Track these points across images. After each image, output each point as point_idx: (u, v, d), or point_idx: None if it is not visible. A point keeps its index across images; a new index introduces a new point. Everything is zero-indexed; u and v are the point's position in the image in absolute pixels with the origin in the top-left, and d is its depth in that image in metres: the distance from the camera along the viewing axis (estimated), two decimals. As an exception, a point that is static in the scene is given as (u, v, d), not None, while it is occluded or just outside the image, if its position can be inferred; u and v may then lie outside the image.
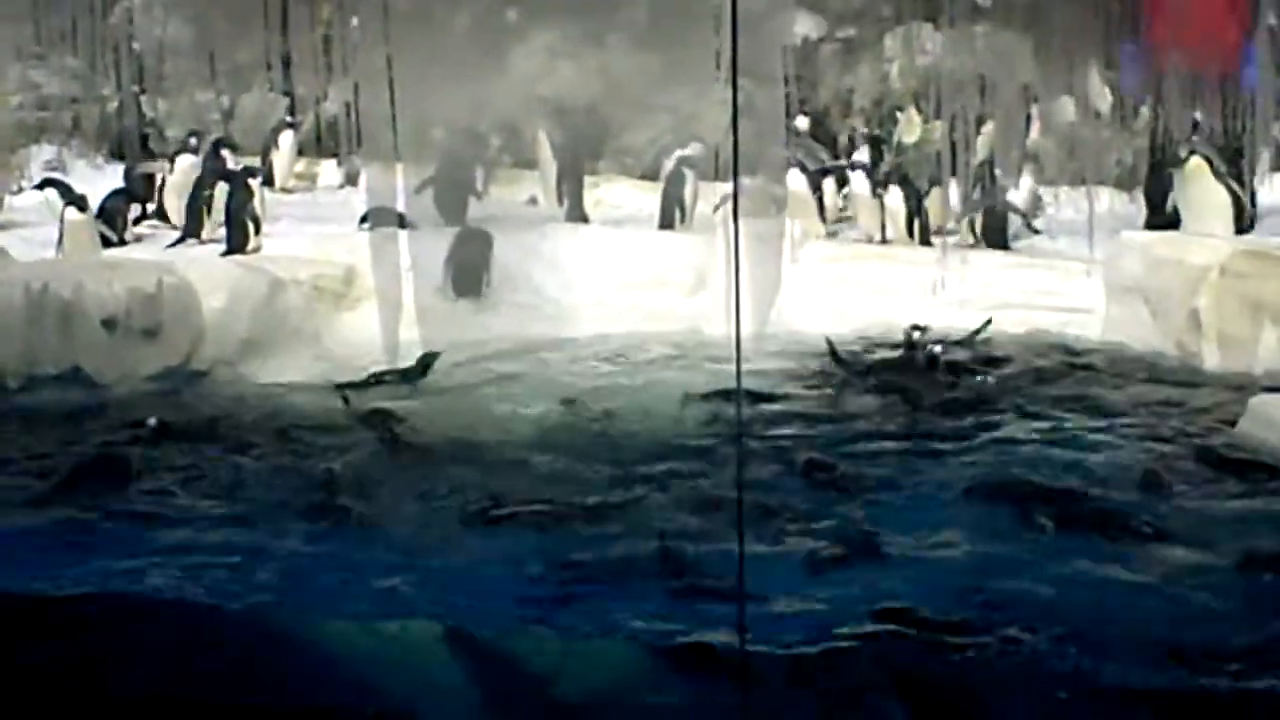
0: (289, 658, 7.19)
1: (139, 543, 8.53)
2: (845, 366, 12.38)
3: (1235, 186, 15.05)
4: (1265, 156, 16.78)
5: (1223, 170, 14.87)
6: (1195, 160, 14.79)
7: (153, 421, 10.69)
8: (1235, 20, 15.51)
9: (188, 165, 17.29)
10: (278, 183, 18.55)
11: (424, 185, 14.68)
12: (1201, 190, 14.73)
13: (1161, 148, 15.72)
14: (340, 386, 11.70)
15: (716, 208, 14.83)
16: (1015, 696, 6.76)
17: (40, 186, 16.54)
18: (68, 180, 16.74)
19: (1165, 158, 15.58)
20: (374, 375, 11.99)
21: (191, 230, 15.96)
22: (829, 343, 12.60)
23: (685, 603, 7.56)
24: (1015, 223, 15.73)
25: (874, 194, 15.63)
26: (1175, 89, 15.52)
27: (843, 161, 17.40)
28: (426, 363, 12.07)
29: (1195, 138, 15.38)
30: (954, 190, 15.32)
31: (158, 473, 9.78)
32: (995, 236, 15.38)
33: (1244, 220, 14.86)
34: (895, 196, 15.37)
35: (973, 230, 15.51)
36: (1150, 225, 15.30)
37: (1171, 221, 15.20)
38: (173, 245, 15.78)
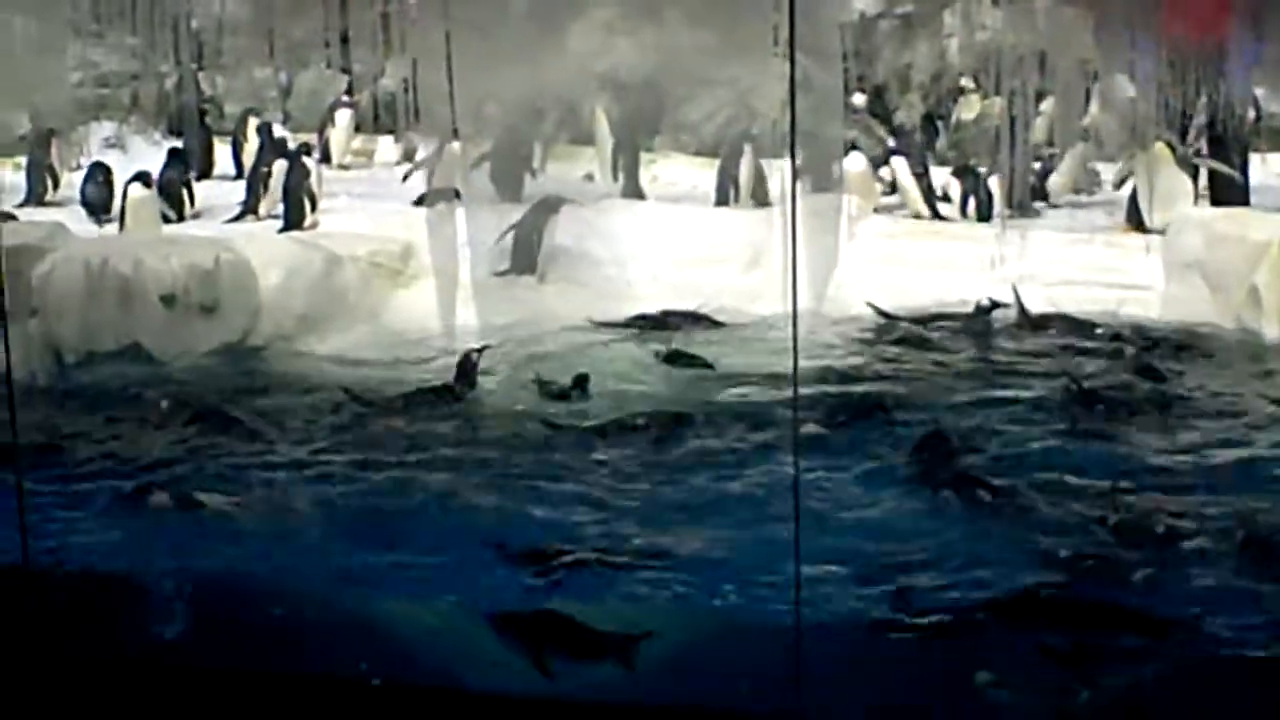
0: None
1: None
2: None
3: (1219, 167, 15.13)
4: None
5: (1186, 156, 14.82)
6: (1158, 146, 14.74)
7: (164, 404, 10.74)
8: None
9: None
10: (335, 160, 18.61)
11: (480, 161, 14.67)
12: (1164, 177, 14.67)
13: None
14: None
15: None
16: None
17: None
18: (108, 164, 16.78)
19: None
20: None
21: (250, 206, 16.04)
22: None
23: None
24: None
25: (917, 175, 15.70)
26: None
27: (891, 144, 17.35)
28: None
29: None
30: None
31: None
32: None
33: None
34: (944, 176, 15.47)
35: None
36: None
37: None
38: (232, 220, 15.86)
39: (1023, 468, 9.44)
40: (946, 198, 16.05)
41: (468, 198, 13.56)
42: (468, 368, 11.21)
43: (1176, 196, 14.62)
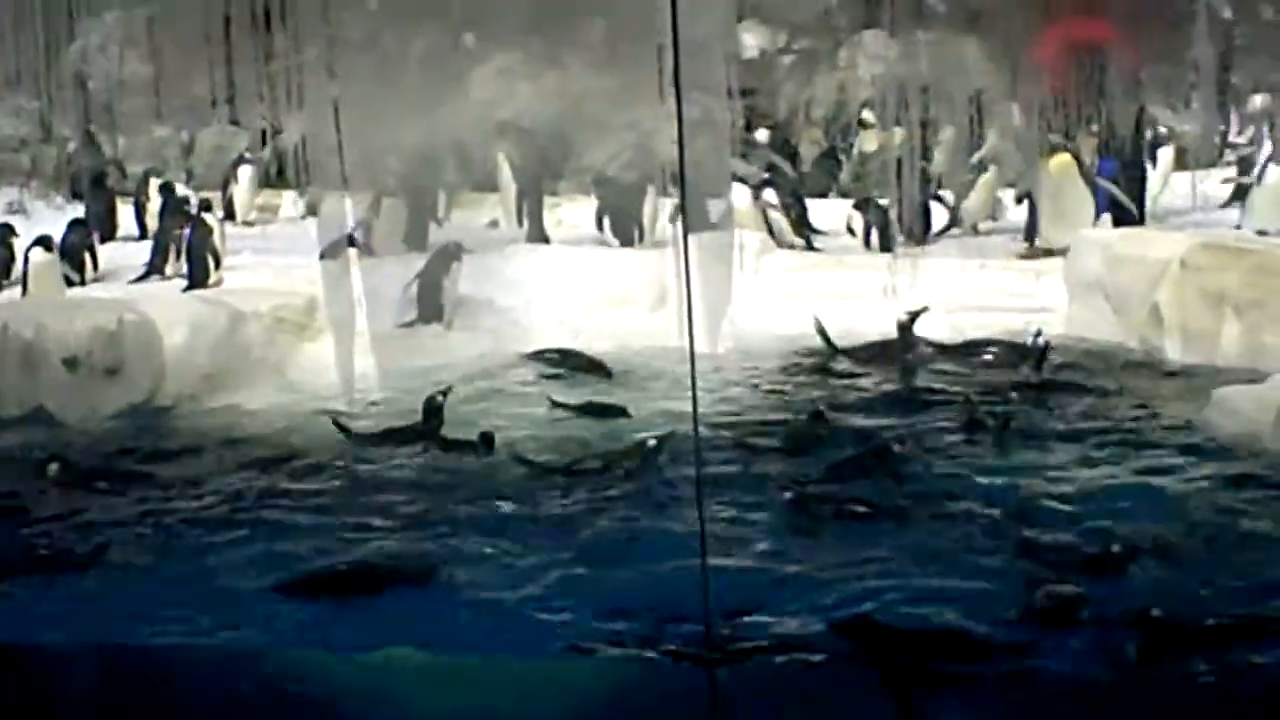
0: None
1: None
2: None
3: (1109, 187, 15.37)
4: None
5: (1091, 169, 14.98)
6: (1064, 156, 14.90)
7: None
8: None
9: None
10: (239, 216, 18.58)
11: (367, 216, 14.65)
12: (1067, 187, 14.82)
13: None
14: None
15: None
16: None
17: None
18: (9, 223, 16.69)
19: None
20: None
21: (156, 266, 15.98)
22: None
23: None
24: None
25: (786, 205, 15.88)
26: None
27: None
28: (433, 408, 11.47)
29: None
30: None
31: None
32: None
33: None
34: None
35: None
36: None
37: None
38: (138, 280, 15.83)
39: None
40: (850, 230, 16.14)
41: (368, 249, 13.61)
42: (434, 409, 11.27)
43: (1079, 210, 14.72)
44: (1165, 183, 17.39)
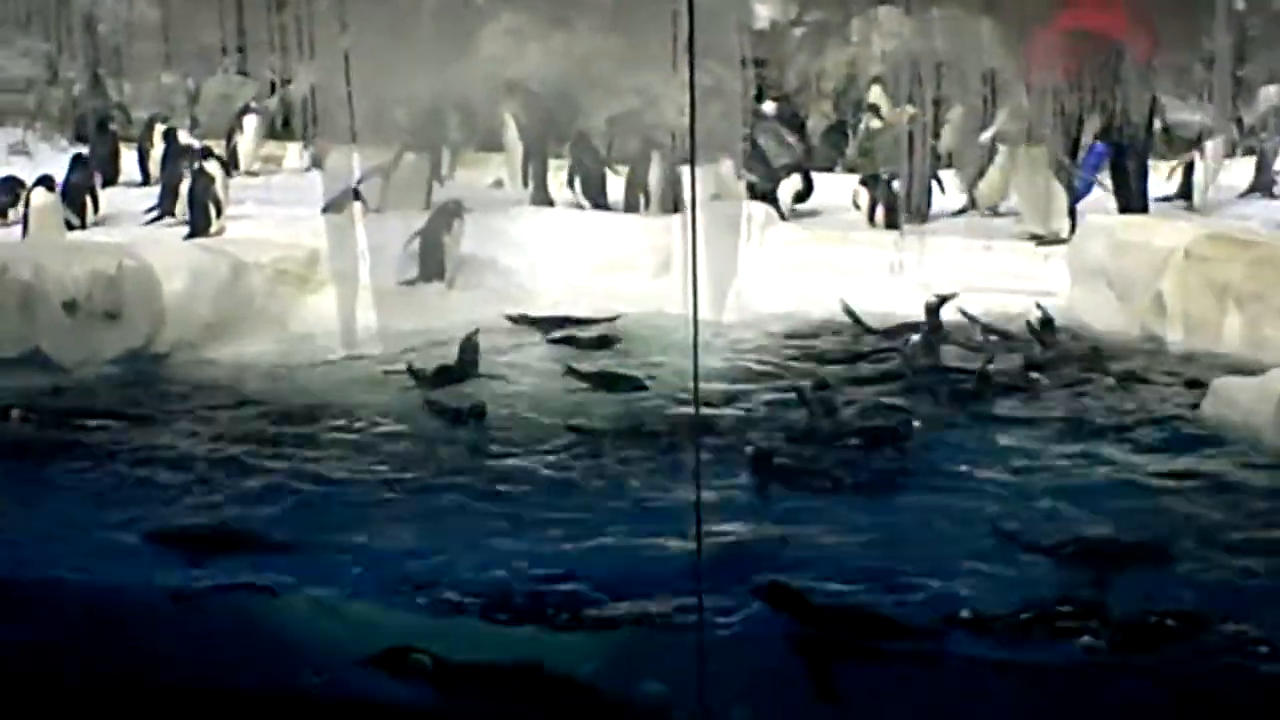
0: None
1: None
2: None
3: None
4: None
5: (1064, 162, 14.92)
6: (1033, 151, 14.86)
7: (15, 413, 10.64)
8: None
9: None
10: (242, 166, 18.49)
11: (373, 171, 14.57)
12: (1035, 177, 14.77)
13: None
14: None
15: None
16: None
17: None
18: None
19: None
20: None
21: (167, 209, 15.96)
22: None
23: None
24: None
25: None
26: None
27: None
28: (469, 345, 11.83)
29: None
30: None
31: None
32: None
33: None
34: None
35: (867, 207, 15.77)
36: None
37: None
38: (150, 221, 15.87)
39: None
40: (856, 205, 16.08)
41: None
42: (469, 349, 11.64)
43: (1047, 200, 14.67)
44: (1214, 174, 17.24)
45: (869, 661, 7.07)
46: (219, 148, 17.52)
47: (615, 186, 16.28)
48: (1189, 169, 17.19)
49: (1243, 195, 17.49)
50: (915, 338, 12.32)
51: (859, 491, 9.20)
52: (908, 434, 10.15)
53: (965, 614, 7.24)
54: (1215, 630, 7.20)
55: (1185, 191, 17.11)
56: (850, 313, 13.06)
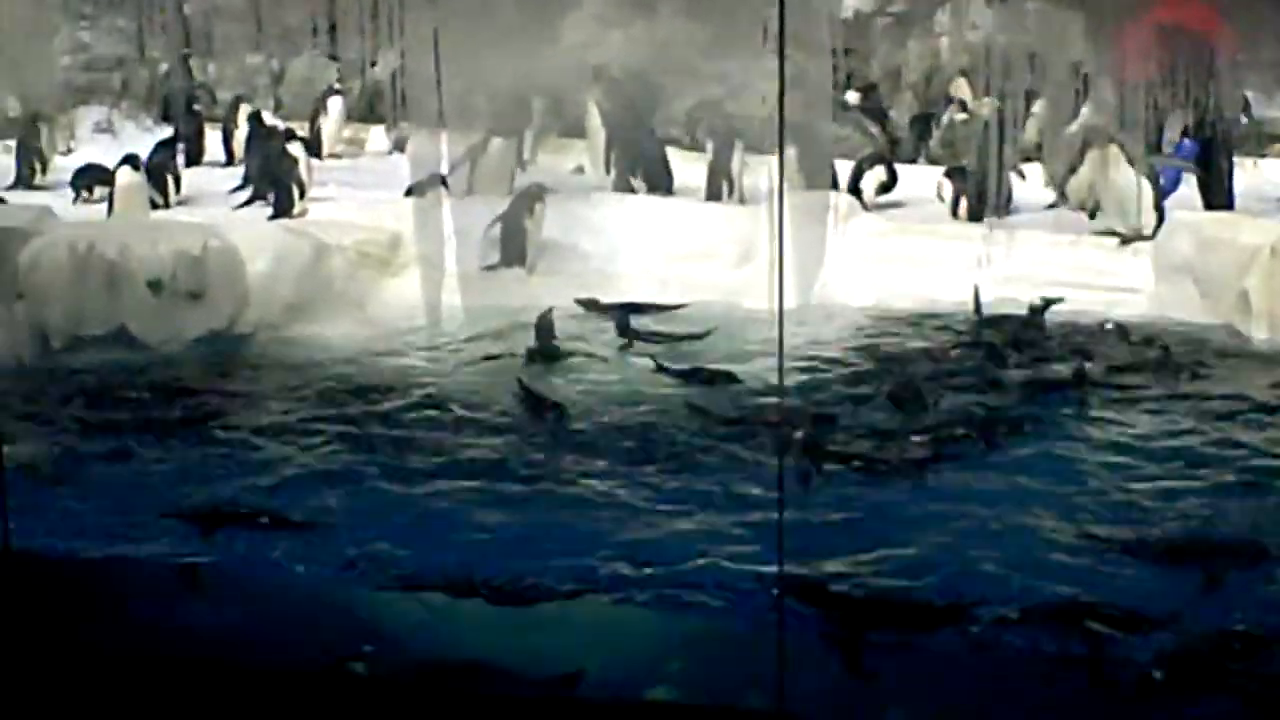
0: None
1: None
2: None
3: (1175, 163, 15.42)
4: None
5: (1140, 158, 14.76)
6: (1112, 149, 14.69)
7: None
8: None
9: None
10: (326, 148, 18.52)
11: (463, 157, 14.59)
12: (1114, 177, 14.61)
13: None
14: None
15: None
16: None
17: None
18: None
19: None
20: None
21: (259, 192, 16.01)
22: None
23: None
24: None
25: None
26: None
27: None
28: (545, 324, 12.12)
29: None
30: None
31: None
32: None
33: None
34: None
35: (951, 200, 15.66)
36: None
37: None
38: (243, 205, 15.93)
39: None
40: (940, 197, 16.00)
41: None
42: (545, 328, 11.99)
43: (1129, 200, 14.53)
44: None
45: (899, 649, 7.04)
46: (303, 130, 17.56)
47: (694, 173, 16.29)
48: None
49: None
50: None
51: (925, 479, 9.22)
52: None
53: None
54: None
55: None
56: (976, 302, 13.03)
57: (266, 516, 8.66)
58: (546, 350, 11.91)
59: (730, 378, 11.24)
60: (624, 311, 12.85)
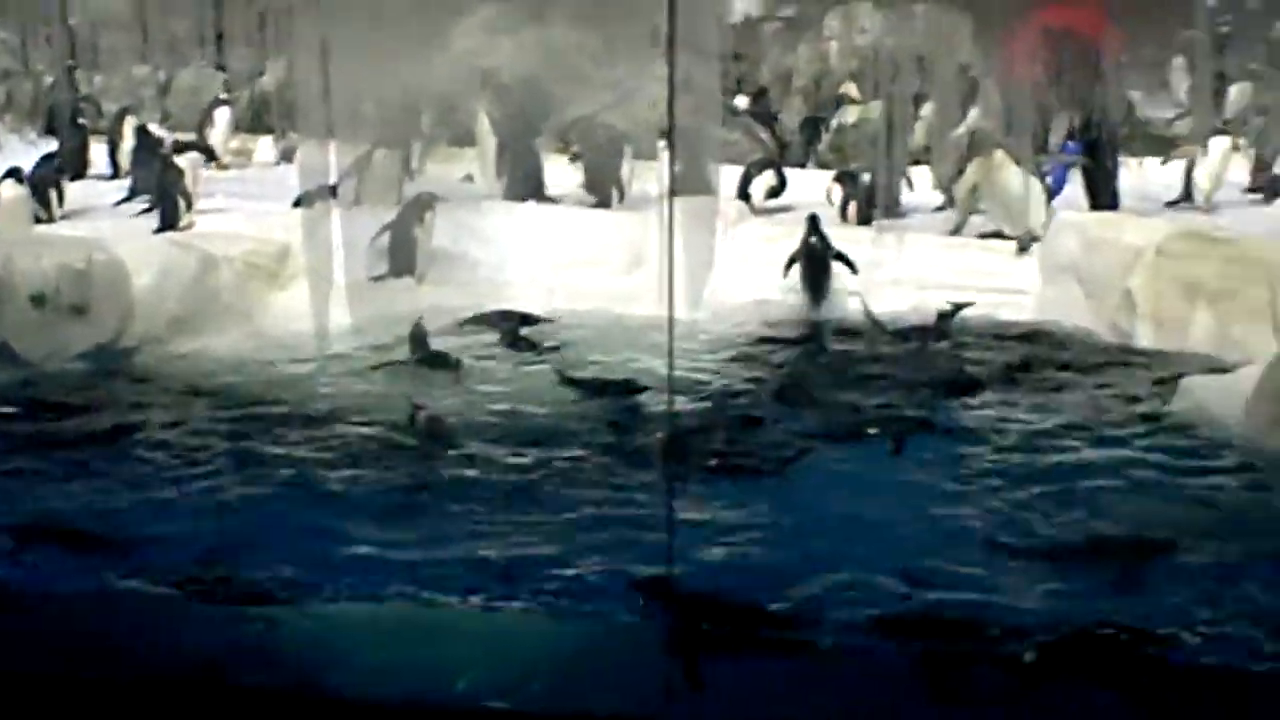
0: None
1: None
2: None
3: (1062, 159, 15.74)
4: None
5: (1029, 161, 14.89)
6: (999, 154, 14.82)
7: None
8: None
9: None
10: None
11: (350, 168, 14.51)
12: (1004, 182, 14.73)
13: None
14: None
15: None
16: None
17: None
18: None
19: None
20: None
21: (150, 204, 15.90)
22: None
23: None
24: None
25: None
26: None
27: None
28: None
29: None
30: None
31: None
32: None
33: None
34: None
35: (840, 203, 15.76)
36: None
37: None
38: (121, 202, 15.86)
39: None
40: (830, 200, 16.07)
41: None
42: (419, 335, 11.92)
43: (1021, 203, 14.62)
44: (1220, 174, 17.13)
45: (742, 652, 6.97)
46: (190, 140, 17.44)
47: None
48: (1189, 168, 17.13)
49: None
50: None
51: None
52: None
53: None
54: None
55: (1186, 192, 17.07)
56: (868, 313, 12.93)
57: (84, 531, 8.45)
58: (428, 359, 11.83)
59: (629, 386, 11.13)
60: (506, 319, 12.84)
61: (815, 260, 13.58)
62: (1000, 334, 12.77)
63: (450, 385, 11.35)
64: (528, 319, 12.92)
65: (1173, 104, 20.91)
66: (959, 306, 12.94)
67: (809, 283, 13.59)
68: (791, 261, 13.61)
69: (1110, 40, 15.88)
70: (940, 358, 12.22)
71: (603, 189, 15.90)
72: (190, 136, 17.96)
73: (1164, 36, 19.65)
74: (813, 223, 13.77)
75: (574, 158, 16.98)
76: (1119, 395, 11.09)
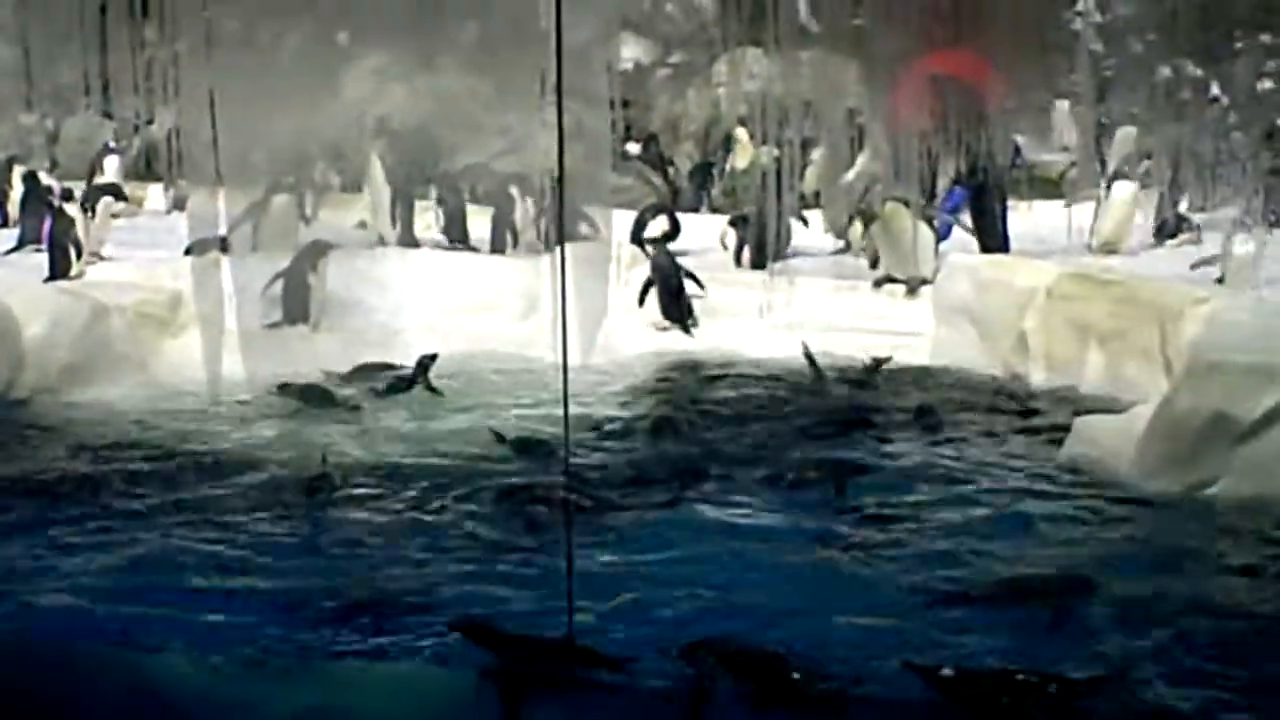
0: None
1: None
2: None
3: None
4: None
5: (916, 204, 15.06)
6: (891, 205, 14.98)
7: None
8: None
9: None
10: (101, 209, 18.25)
11: (243, 216, 14.43)
12: (899, 231, 14.87)
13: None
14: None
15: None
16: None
17: None
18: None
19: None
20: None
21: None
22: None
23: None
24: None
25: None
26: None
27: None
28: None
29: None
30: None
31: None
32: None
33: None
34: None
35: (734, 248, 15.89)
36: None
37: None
38: (10, 251, 15.76)
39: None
40: (724, 244, 16.16)
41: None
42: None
43: (915, 250, 14.75)
44: (1128, 219, 17.36)
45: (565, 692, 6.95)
46: (79, 189, 17.30)
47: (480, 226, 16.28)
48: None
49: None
50: None
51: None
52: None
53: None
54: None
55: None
56: (808, 356, 12.94)
57: None
58: (320, 406, 11.78)
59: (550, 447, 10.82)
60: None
61: (666, 280, 13.81)
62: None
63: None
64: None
65: (1059, 148, 21.20)
66: (880, 362, 13.01)
67: (666, 308, 13.83)
68: (646, 288, 13.71)
69: (994, 85, 16.08)
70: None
71: (499, 234, 15.91)
72: (80, 185, 17.81)
73: (1048, 81, 19.85)
74: (657, 243, 13.99)
75: (439, 202, 17.01)
76: (1006, 435, 11.22)
